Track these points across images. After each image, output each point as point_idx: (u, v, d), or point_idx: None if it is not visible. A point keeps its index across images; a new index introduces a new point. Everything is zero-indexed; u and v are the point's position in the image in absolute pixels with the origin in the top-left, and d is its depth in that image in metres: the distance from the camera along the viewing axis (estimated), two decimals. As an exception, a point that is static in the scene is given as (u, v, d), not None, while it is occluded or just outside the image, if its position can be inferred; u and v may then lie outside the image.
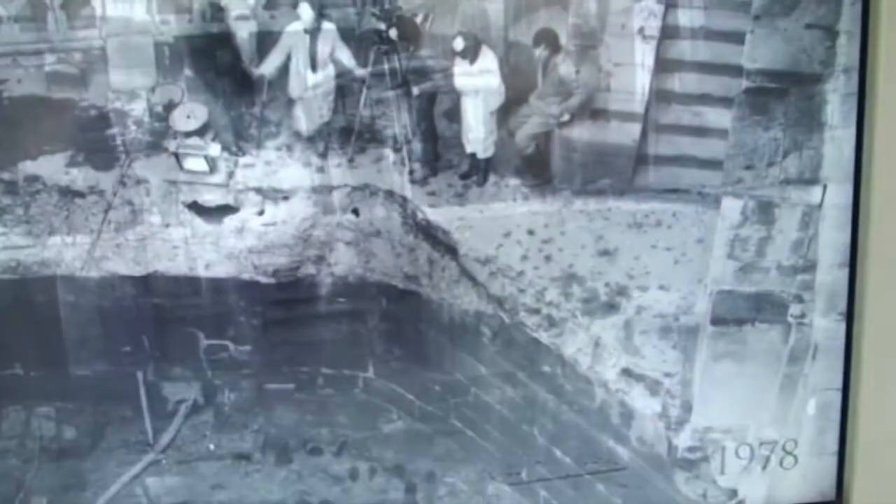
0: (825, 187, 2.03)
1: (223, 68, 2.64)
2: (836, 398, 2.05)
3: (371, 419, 2.89)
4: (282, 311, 2.73)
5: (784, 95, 1.98)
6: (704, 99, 2.30)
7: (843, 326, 2.00)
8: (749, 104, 1.99)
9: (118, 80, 2.75)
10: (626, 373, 2.42)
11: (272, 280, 2.73)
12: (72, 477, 2.72)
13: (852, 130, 1.90)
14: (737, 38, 2.04)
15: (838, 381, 2.04)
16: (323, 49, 2.87)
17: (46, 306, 2.63)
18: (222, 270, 2.72)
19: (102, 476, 2.76)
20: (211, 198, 2.69)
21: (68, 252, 2.70)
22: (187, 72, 2.75)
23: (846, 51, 1.88)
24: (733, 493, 2.33)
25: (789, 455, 2.07)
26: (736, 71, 2.04)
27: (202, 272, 2.72)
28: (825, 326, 2.03)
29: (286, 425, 2.81)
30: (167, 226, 2.68)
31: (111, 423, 2.83)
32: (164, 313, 2.74)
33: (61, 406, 2.72)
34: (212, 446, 2.85)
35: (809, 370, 2.10)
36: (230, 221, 2.75)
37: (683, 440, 2.35)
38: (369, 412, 2.88)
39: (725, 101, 2.18)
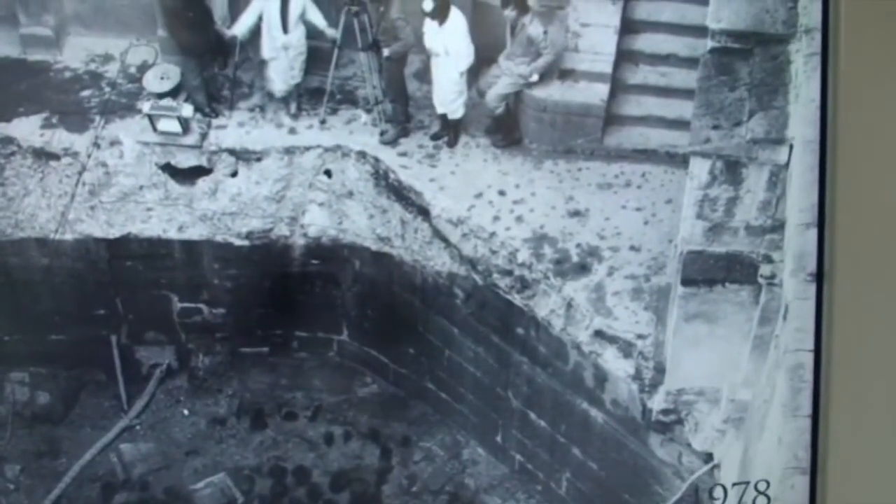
0: (791, 147, 2.23)
1: (196, 29, 2.84)
2: (809, 359, 2.23)
3: (345, 383, 3.12)
4: (255, 274, 2.94)
5: (749, 55, 2.19)
6: (670, 59, 2.51)
7: (813, 287, 2.17)
8: (714, 64, 2.20)
9: (93, 41, 2.95)
10: (599, 334, 2.63)
11: (246, 242, 2.95)
12: (45, 443, 2.95)
13: (817, 90, 2.08)
14: (701, -2, 2.25)
15: (810, 343, 2.21)
16: (294, 10, 3.11)
17: (20, 269, 2.86)
18: (196, 232, 2.95)
19: (76, 442, 2.99)
20: (184, 159, 2.90)
21: (42, 214, 2.92)
22: (161, 32, 2.96)
23: (808, 11, 2.08)
24: (709, 456, 2.54)
25: (762, 495, 2.24)
26: (701, 31, 2.26)
27: (175, 234, 2.95)
28: (795, 287, 2.23)
29: (261, 389, 3.04)
30: (141, 188, 2.89)
31: (85, 388, 3.07)
32: (137, 276, 2.97)
33: (35, 371, 2.95)
34: (186, 411, 3.08)
35: (781, 331, 2.31)
36: (203, 183, 2.97)
37: (657, 403, 2.55)
38: (344, 375, 3.11)
39: (691, 62, 2.39)
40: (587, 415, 2.86)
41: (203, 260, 3.10)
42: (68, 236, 3.00)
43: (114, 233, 3.00)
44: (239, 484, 2.94)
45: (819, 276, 2.14)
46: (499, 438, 3.03)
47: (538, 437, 3.00)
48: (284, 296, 3.15)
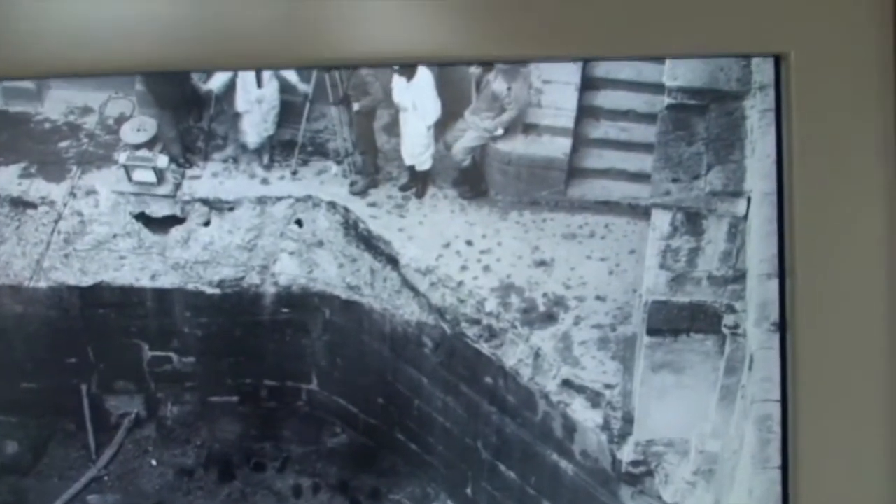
0: (749, 199, 2.42)
1: (173, 83, 3.08)
2: (776, 409, 2.38)
3: (315, 433, 3.23)
4: (226, 322, 3.10)
5: (705, 111, 2.39)
6: (630, 115, 2.72)
7: (776, 337, 2.33)
8: (672, 120, 2.41)
9: (72, 94, 3.19)
10: (567, 384, 2.77)
11: (217, 290, 3.12)
12: (12, 494, 3.05)
13: (772, 144, 2.29)
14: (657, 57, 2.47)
15: (776, 393, 2.36)
16: (268, 66, 3.32)
17: (-6, 317, 3.01)
18: (168, 281, 3.11)
19: (43, 494, 3.09)
20: (158, 208, 3.10)
21: (18, 262, 3.10)
22: (138, 86, 3.20)
23: (761, 68, 2.28)
24: (679, 509, 2.66)
25: None
26: (658, 88, 2.47)
27: (148, 282, 3.11)
28: (759, 337, 2.38)
29: (229, 439, 3.15)
30: (115, 236, 3.08)
31: (54, 438, 3.18)
32: (109, 324, 3.11)
33: (4, 420, 3.07)
34: (154, 462, 3.19)
35: (747, 381, 2.46)
36: (176, 232, 3.15)
37: (627, 454, 2.68)
38: (313, 426, 3.22)
39: (650, 117, 2.60)
40: (557, 466, 2.97)
41: (174, 308, 3.26)
42: (42, 284, 3.16)
43: (87, 281, 3.16)
44: (206, 537, 3.04)
45: (782, 326, 2.31)
46: (469, 490, 3.13)
47: (508, 489, 3.10)
48: (255, 344, 3.30)
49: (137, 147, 3.40)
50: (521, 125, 3.04)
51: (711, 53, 2.25)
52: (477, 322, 3.00)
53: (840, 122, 2.11)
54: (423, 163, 3.41)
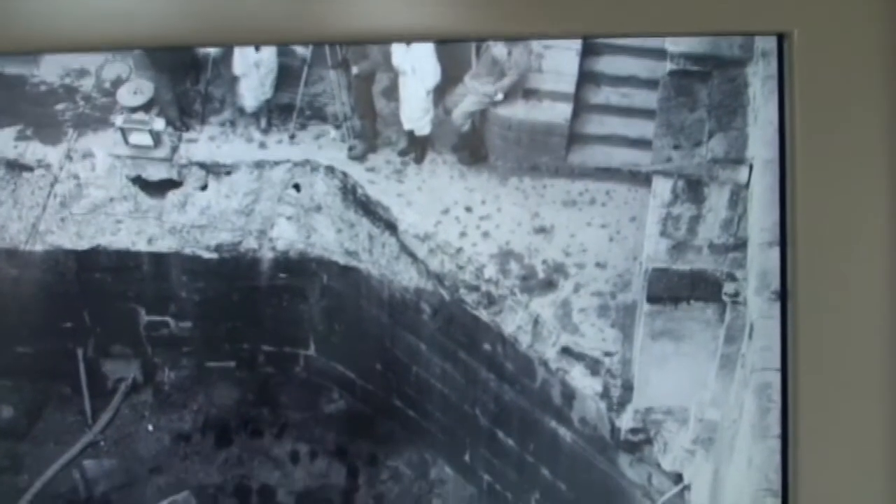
0: (751, 167, 2.43)
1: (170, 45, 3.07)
2: (776, 378, 2.40)
3: (312, 399, 3.26)
4: (223, 287, 3.12)
5: (707, 78, 2.39)
6: (631, 81, 2.72)
7: (777, 305, 2.34)
8: (674, 86, 2.40)
9: (69, 57, 3.19)
10: (566, 351, 2.79)
11: (214, 255, 3.13)
12: (7, 459, 3.08)
13: (774, 112, 2.29)
14: (661, 21, 2.46)
15: (777, 361, 2.37)
16: (266, 27, 3.31)
17: (-11, 281, 3.02)
18: (165, 245, 3.12)
19: (39, 458, 3.12)
20: (155, 172, 3.11)
21: (13, 226, 3.11)
22: (135, 49, 3.19)
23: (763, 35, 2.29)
24: (678, 477, 2.69)
25: None
26: (660, 54, 2.47)
27: (144, 247, 3.13)
28: (759, 305, 2.39)
29: (226, 405, 3.18)
30: (111, 200, 3.09)
31: (50, 402, 3.20)
32: (105, 288, 3.12)
33: (0, 384, 3.09)
34: (150, 427, 3.22)
35: (747, 350, 2.47)
36: (173, 196, 3.16)
37: (626, 421, 2.70)
38: (311, 391, 3.25)
39: (651, 83, 2.60)
40: (555, 434, 2.99)
41: (171, 273, 3.27)
42: (38, 248, 3.17)
43: (83, 245, 3.17)
44: (203, 503, 3.07)
45: (783, 295, 2.32)
46: (467, 457, 3.16)
47: (506, 456, 3.13)
48: (252, 310, 3.31)
49: (134, 110, 3.40)
50: (522, 90, 3.03)
51: (713, 31, 2.26)
52: (476, 288, 3.01)
53: (842, 95, 2.12)
54: (423, 128, 3.40)
